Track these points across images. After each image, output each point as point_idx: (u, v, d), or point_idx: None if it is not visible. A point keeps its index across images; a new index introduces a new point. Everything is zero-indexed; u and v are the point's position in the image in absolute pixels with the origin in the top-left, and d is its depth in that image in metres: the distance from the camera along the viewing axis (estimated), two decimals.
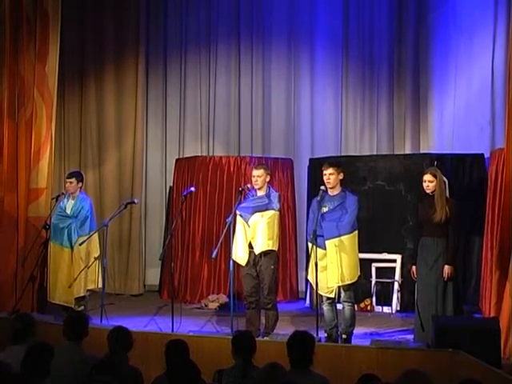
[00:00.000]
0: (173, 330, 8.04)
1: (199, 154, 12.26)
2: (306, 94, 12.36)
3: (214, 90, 12.59)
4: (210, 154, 12.35)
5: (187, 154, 12.40)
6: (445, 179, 8.12)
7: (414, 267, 7.91)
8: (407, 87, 11.82)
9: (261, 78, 12.46)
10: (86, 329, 5.67)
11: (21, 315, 6.19)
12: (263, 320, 8.27)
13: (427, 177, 7.73)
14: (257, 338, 5.89)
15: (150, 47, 12.69)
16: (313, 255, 7.54)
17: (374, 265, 10.37)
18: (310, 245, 7.73)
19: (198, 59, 12.63)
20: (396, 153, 11.68)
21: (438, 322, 7.03)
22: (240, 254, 8.13)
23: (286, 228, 11.34)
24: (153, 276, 12.44)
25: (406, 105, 11.84)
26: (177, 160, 12.11)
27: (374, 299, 10.36)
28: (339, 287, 7.71)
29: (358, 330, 8.12)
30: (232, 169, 11.43)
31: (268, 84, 12.47)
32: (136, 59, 12.33)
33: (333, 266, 7.58)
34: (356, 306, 8.51)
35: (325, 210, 7.71)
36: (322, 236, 7.60)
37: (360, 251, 7.98)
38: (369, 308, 10.28)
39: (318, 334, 7.31)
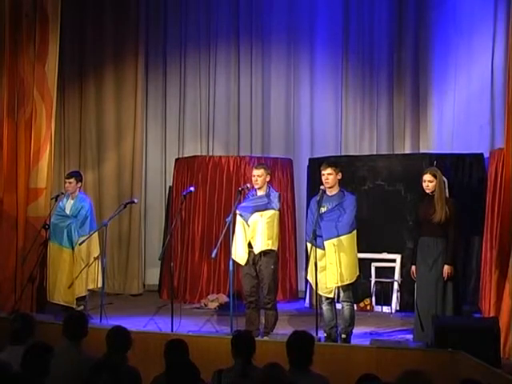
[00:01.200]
0: (172, 330, 8.01)
1: (199, 154, 12.23)
2: (305, 94, 12.33)
3: (214, 90, 12.57)
4: (210, 154, 12.33)
5: (187, 154, 12.39)
6: (444, 179, 8.09)
7: (413, 267, 7.88)
8: (407, 87, 11.78)
9: (260, 77, 12.44)
10: (86, 328, 5.65)
11: (20, 315, 6.17)
12: (263, 320, 8.25)
13: (427, 177, 7.70)
14: (256, 338, 5.90)
15: (150, 47, 12.68)
16: (312, 255, 7.53)
17: (374, 264, 10.37)
18: (309, 245, 7.72)
19: (197, 59, 12.61)
20: (396, 152, 11.65)
21: (438, 322, 7.02)
22: (240, 254, 8.11)
23: (286, 228, 11.32)
24: (152, 276, 12.43)
25: (405, 104, 11.81)
26: (176, 160, 12.10)
27: (373, 299, 10.36)
28: (338, 287, 7.70)
29: (357, 330, 8.10)
30: (231, 168, 11.42)
31: (268, 84, 12.45)
32: (136, 59, 12.32)
33: (332, 266, 7.56)
34: (355, 305, 8.51)
35: (323, 209, 7.70)
36: (321, 236, 7.58)
37: (359, 251, 7.97)
38: (368, 308, 10.28)
39: (317, 334, 7.30)
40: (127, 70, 12.39)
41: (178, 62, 12.68)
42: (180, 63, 12.68)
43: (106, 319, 8.52)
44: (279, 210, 8.29)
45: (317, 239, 7.54)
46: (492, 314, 7.87)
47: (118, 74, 12.47)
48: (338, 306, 7.91)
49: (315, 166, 10.21)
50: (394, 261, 10.30)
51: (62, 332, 5.63)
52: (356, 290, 8.44)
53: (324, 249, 7.56)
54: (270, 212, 8.11)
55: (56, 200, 9.50)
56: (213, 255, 8.07)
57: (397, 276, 10.23)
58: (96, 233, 9.36)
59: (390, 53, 11.95)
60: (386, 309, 10.23)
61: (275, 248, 8.16)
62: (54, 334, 6.37)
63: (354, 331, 7.86)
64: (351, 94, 12.19)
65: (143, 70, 12.46)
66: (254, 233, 8.07)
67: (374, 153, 11.79)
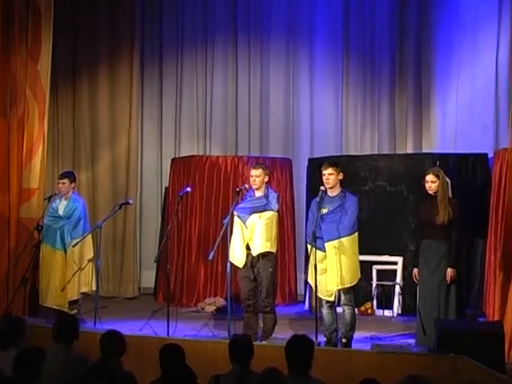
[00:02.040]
0: (168, 334, 7.99)
1: (195, 154, 12.17)
2: (305, 92, 12.28)
3: (211, 89, 12.53)
4: (207, 154, 12.29)
5: (183, 154, 12.35)
6: (447, 180, 8.02)
7: (415, 270, 7.80)
8: (409, 85, 11.73)
9: (259, 75, 12.40)
10: (76, 331, 5.67)
11: (12, 318, 6.22)
12: (261, 324, 8.22)
13: (430, 177, 7.65)
14: (255, 342, 5.87)
15: (145, 45, 12.66)
16: (312, 257, 7.49)
17: (375, 267, 10.29)
18: (309, 247, 7.67)
19: (194, 57, 12.58)
20: (397, 152, 11.61)
21: (441, 326, 6.98)
22: (237, 256, 8.07)
23: (285, 229, 11.27)
24: (148, 278, 12.41)
25: (407, 103, 11.76)
26: (173, 160, 12.04)
27: (374, 302, 10.30)
28: (339, 290, 7.67)
29: (358, 334, 8.04)
30: (229, 169, 11.38)
31: (266, 82, 12.41)
32: (131, 57, 12.28)
33: (332, 268, 7.53)
34: (356, 309, 8.52)
35: (324, 211, 7.65)
36: (322, 238, 7.54)
37: (360, 253, 7.92)
38: (369, 311, 10.21)
39: (317, 338, 7.27)
40: (122, 68, 12.35)
41: (174, 59, 12.64)
42: (176, 61, 12.63)
43: (101, 323, 8.48)
44: (278, 212, 8.27)
45: (317, 241, 7.50)
46: (496, 318, 7.84)
47: (112, 72, 12.44)
48: (339, 309, 7.86)
49: (315, 166, 10.21)
50: (395, 263, 10.23)
51: (52, 335, 5.65)
52: (357, 294, 8.41)
53: (325, 251, 7.52)
54: (269, 213, 8.07)
55: (49, 201, 9.46)
56: (210, 257, 8.07)
57: (398, 279, 10.17)
58: (90, 235, 9.30)
59: (392, 50, 11.88)
60: (387, 312, 10.17)
61: (274, 250, 8.12)
62: (44, 337, 6.33)
63: (354, 335, 7.82)
64: (352, 93, 12.12)
65: (138, 69, 12.41)
66: (252, 234, 8.03)
67: (376, 152, 11.73)
